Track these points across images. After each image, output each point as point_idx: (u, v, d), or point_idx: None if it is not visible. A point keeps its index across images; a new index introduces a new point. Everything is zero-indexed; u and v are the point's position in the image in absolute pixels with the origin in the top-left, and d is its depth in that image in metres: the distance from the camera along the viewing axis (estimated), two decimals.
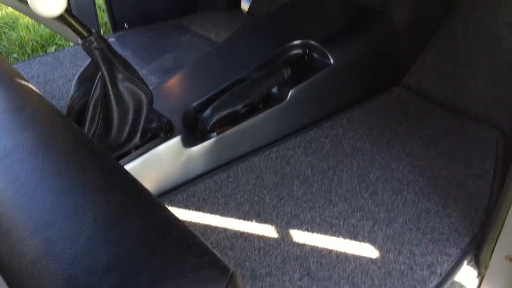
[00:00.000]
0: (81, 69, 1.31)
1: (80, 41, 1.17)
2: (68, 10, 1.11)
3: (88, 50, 1.15)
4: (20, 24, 3.00)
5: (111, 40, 2.03)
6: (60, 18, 1.11)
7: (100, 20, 2.87)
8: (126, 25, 2.11)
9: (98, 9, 2.74)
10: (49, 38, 2.85)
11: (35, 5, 1.06)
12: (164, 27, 2.13)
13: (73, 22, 1.13)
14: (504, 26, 1.51)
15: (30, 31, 2.93)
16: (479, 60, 1.55)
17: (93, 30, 1.16)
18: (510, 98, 1.47)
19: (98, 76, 1.20)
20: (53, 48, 2.72)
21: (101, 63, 1.16)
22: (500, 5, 1.51)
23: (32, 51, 2.77)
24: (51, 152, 0.86)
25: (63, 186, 0.78)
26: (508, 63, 1.50)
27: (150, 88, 1.49)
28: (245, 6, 1.86)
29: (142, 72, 1.81)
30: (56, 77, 1.78)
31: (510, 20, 1.49)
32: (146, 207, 0.75)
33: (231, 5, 2.22)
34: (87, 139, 0.93)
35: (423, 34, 1.65)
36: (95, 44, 1.15)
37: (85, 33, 1.14)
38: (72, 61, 1.88)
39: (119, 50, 1.94)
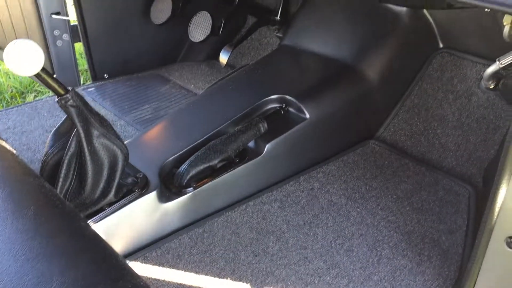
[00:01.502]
0: (58, 123, 1.31)
1: (56, 99, 1.17)
2: (44, 68, 1.12)
3: (64, 108, 1.16)
4: (0, 70, 3.00)
5: (91, 90, 2.05)
6: (36, 76, 1.12)
7: (80, 67, 2.90)
8: (106, 75, 2.13)
9: (79, 56, 2.78)
10: (29, 85, 2.85)
11: (11, 66, 1.07)
12: (143, 77, 2.15)
13: (49, 81, 1.14)
14: (473, 83, 1.57)
15: (9, 77, 2.93)
16: (450, 115, 1.60)
17: (69, 88, 1.17)
18: (481, 152, 1.51)
19: (74, 132, 1.20)
20: (32, 96, 2.71)
21: (76, 120, 1.16)
22: (468, 67, 1.58)
23: (11, 97, 2.76)
24: (20, 215, 0.85)
25: (30, 253, 0.77)
26: (477, 118, 1.55)
27: (127, 141, 1.51)
28: (223, 59, 1.91)
29: (120, 123, 1.82)
30: (33, 128, 1.77)
31: (478, 77, 1.55)
32: (115, 274, 0.74)
33: (210, 56, 2.27)
34: (59, 200, 0.92)
35: (396, 89, 1.70)
36: (71, 101, 1.15)
37: (61, 91, 1.15)
38: (50, 111, 1.88)
39: (98, 100, 1.97)
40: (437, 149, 1.58)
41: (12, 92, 2.81)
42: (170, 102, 1.96)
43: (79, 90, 2.05)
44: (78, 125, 1.17)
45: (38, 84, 2.84)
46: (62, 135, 1.29)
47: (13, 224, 0.83)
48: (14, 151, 1.12)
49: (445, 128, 1.60)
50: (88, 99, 1.98)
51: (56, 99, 1.17)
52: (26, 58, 1.09)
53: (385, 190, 1.46)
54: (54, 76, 1.17)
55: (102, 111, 1.89)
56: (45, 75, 1.13)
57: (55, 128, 1.30)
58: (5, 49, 1.09)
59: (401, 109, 1.70)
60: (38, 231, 0.82)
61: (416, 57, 1.68)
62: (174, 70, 2.21)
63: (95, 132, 1.19)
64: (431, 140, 1.61)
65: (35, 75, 1.11)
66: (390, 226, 1.33)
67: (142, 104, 1.95)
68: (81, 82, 2.29)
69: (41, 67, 1.10)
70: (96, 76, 2.12)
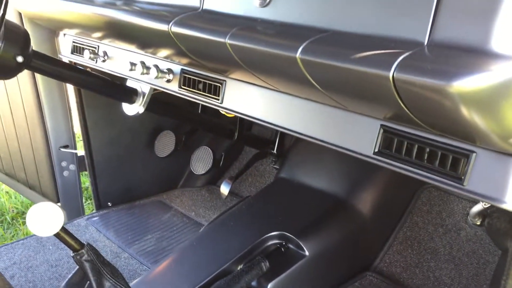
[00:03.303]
0: (70, 274, 1.37)
1: (71, 254, 1.24)
2: (63, 227, 1.20)
3: (79, 263, 1.22)
4: (2, 190, 3.08)
5: (95, 219, 2.12)
6: (55, 235, 1.20)
7: (83, 184, 2.99)
8: (109, 203, 2.21)
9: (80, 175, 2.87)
10: (30, 205, 2.92)
11: (33, 228, 1.15)
12: (145, 205, 2.24)
13: (66, 238, 1.22)
14: (460, 218, 1.67)
15: (11, 197, 3.00)
16: (442, 248, 1.68)
17: (85, 243, 1.25)
18: (474, 287, 1.57)
19: (86, 285, 1.25)
20: None
21: (90, 275, 1.22)
22: (455, 202, 1.69)
23: (12, 218, 2.82)
24: None
25: None
26: (467, 252, 1.63)
27: (133, 282, 1.56)
28: (224, 191, 2.01)
29: (124, 255, 1.87)
30: (39, 263, 1.81)
31: (465, 212, 1.66)
32: None
33: (209, 182, 2.38)
34: None
35: (388, 222, 1.80)
36: (85, 256, 1.22)
37: (77, 247, 1.23)
38: (55, 244, 1.93)
39: (102, 230, 2.03)
40: (432, 282, 1.65)
41: (13, 212, 2.87)
42: (172, 232, 2.03)
43: (83, 219, 2.12)
44: (92, 278, 1.23)
45: None
46: (73, 285, 1.34)
47: None
48: None
49: (438, 261, 1.67)
50: (92, 229, 2.06)
51: (72, 254, 1.24)
52: (47, 220, 1.17)
53: None
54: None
55: (107, 242, 1.95)
56: (63, 233, 1.22)
57: (67, 279, 1.35)
58: (28, 213, 1.17)
59: (394, 241, 1.78)
60: None
61: (405, 192, 1.80)
62: (175, 197, 2.30)
63: (107, 284, 1.25)
64: (425, 273, 1.67)
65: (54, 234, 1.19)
66: None
67: (145, 234, 2.01)
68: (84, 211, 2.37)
69: (60, 227, 1.19)
70: (100, 205, 2.20)
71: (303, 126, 1.12)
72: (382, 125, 0.97)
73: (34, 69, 1.43)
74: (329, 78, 0.86)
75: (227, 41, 0.96)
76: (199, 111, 2.09)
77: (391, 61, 0.72)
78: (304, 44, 0.84)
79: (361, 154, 1.01)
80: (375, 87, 0.78)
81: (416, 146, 0.92)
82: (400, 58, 0.72)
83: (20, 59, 1.31)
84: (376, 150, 0.98)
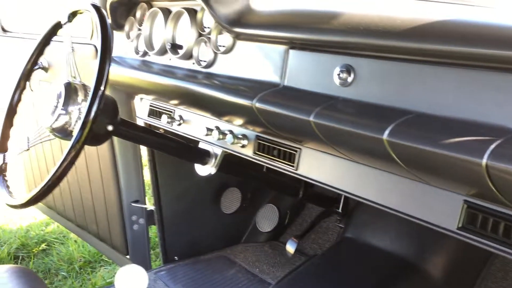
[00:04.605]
0: None
1: None
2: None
3: None
4: (70, 238, 3.22)
5: (163, 273, 2.18)
6: None
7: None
8: (176, 257, 2.27)
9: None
10: (96, 254, 3.03)
11: None
12: (211, 260, 2.28)
13: None
14: None
15: (79, 246, 3.13)
16: None
17: None
18: None
19: None
20: (101, 268, 2.87)
21: None
22: None
23: (80, 268, 2.93)
24: None
25: None
26: None
27: None
28: (290, 249, 2.03)
29: None
30: None
31: None
32: None
33: (271, 237, 2.40)
34: None
35: None
36: None
37: None
38: None
39: (170, 285, 2.09)
40: None
41: (81, 262, 2.99)
42: None
43: (151, 273, 2.18)
44: None
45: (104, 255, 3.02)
46: None
47: None
48: None
49: None
50: (160, 284, 2.11)
51: None
52: (133, 282, 1.24)
53: None
54: None
55: None
56: None
57: None
58: (116, 275, 1.25)
59: None
60: None
61: (477, 256, 1.76)
62: (239, 252, 2.34)
63: None
64: None
65: None
66: None
67: None
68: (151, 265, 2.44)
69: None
70: (167, 259, 2.26)
71: (381, 197, 1.14)
72: (465, 201, 0.98)
73: (120, 135, 1.53)
74: (415, 159, 0.89)
75: (312, 119, 1.02)
76: (264, 170, 2.15)
77: (483, 148, 0.75)
78: (391, 127, 0.88)
79: (443, 228, 1.02)
80: (465, 171, 0.80)
81: (503, 223, 0.92)
82: (493, 146, 0.74)
83: (110, 127, 1.41)
84: (460, 225, 0.99)
